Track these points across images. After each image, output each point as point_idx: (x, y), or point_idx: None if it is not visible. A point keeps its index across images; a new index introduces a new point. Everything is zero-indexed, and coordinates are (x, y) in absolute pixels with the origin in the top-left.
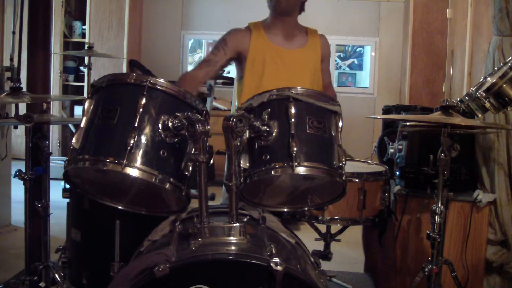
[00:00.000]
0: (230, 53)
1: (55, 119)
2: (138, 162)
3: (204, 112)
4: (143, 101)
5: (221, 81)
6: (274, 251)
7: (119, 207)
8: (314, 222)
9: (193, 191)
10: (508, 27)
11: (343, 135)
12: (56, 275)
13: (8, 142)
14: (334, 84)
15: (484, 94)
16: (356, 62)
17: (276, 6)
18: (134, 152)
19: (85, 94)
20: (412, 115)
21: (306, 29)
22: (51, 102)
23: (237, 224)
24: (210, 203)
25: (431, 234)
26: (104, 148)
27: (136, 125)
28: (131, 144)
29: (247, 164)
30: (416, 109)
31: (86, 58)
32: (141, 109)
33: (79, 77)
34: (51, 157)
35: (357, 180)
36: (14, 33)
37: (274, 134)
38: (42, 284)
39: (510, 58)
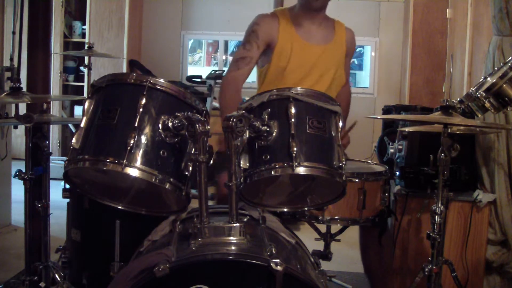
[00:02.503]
0: (262, 45)
1: (55, 119)
2: (138, 162)
3: (204, 112)
4: (143, 101)
5: (221, 80)
6: (274, 251)
7: (119, 207)
8: (314, 222)
9: (193, 191)
10: (508, 27)
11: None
12: (56, 275)
13: (8, 142)
14: None
15: (484, 94)
16: (356, 62)
17: (311, 3)
18: (134, 152)
19: (85, 94)
20: (412, 115)
21: (333, 22)
22: (51, 102)
23: (237, 224)
24: (210, 203)
25: (431, 234)
26: (104, 148)
27: (136, 125)
28: (131, 144)
29: (247, 164)
30: (416, 109)
31: (86, 58)
32: (141, 109)
33: (79, 77)
34: (51, 157)
35: (357, 180)
36: (14, 33)
37: (274, 134)
38: (42, 284)
39: (510, 58)
